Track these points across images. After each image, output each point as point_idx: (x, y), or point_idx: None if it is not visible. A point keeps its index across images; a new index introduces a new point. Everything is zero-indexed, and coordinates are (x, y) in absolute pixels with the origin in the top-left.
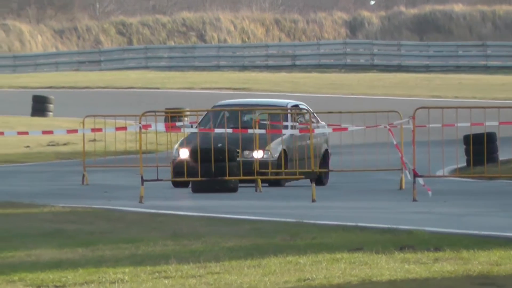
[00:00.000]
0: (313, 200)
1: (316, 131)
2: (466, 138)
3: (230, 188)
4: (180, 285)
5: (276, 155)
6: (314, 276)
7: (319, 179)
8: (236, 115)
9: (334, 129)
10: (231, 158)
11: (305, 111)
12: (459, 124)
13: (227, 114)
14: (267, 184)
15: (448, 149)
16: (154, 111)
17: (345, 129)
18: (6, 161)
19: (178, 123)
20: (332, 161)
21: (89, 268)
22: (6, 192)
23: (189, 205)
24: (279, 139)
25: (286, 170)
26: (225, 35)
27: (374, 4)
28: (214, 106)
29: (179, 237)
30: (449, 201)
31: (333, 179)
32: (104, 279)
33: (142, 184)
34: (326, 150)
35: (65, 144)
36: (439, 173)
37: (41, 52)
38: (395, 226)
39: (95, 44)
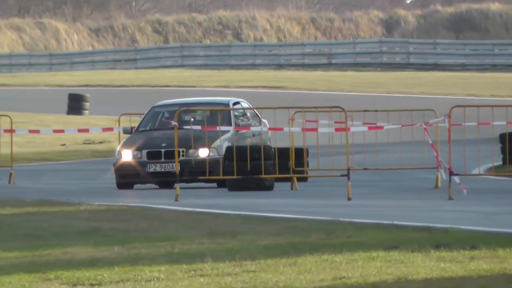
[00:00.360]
0: (349, 198)
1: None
2: (502, 137)
3: (266, 186)
4: (216, 283)
5: (223, 153)
6: (350, 274)
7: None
8: (168, 115)
9: (370, 128)
10: (267, 156)
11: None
12: (495, 123)
13: (166, 114)
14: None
15: (484, 147)
16: (191, 110)
17: (381, 127)
18: (42, 159)
19: None
20: (368, 160)
21: (125, 266)
22: (43, 190)
23: (225, 203)
24: (223, 136)
25: (313, 169)
26: (261, 33)
27: (410, 2)
28: (155, 107)
29: (215, 235)
30: (485, 200)
31: (369, 177)
32: (140, 277)
33: (178, 182)
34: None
35: (100, 142)
36: (475, 171)
37: (77, 50)
38: (430, 225)
39: (131, 42)
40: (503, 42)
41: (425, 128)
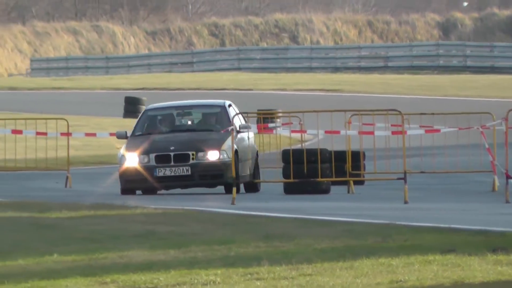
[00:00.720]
0: (406, 202)
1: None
2: None
3: (322, 190)
4: (272, 287)
5: (231, 156)
6: (406, 278)
7: (254, 185)
8: (170, 118)
9: (426, 131)
10: (324, 159)
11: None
12: None
13: (159, 117)
14: (244, 192)
15: None
16: (246, 113)
17: (438, 130)
18: (98, 162)
19: (270, 124)
20: (425, 163)
21: (181, 270)
22: (99, 193)
23: (281, 206)
24: (229, 139)
25: (367, 172)
26: (317, 36)
27: (467, 5)
28: (148, 110)
29: (271, 239)
30: None
31: (425, 180)
32: (196, 281)
33: (234, 186)
34: (257, 152)
35: None
36: None
37: (133, 53)
38: (487, 228)
39: (187, 45)
40: None
41: (481, 132)
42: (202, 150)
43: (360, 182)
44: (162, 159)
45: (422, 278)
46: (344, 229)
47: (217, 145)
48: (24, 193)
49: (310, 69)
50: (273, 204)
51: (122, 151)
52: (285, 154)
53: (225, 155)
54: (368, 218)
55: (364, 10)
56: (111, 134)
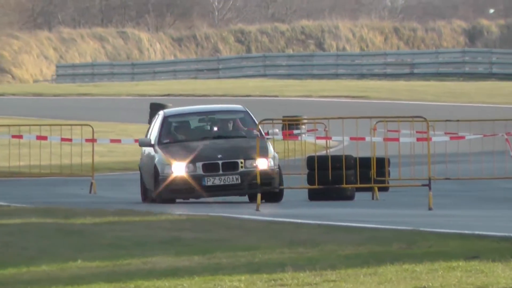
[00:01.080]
0: (430, 208)
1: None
2: None
3: (347, 196)
4: None
5: (278, 164)
6: (430, 284)
7: (279, 193)
8: (196, 125)
9: (451, 138)
10: (349, 166)
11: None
12: None
13: (183, 123)
14: (264, 200)
15: None
16: (272, 119)
17: (463, 137)
18: (123, 168)
19: (295, 131)
20: (450, 169)
21: (205, 276)
22: (124, 199)
23: (305, 213)
24: (270, 146)
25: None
26: (343, 43)
27: (493, 12)
28: (168, 116)
29: (296, 245)
30: None
31: (450, 187)
32: (219, 287)
33: (259, 192)
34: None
35: None
36: None
37: (159, 60)
38: None
39: (213, 52)
40: None
41: (506, 139)
42: (251, 158)
43: (385, 189)
44: (210, 168)
45: (445, 285)
46: (369, 235)
47: (265, 153)
48: (50, 199)
49: (336, 76)
50: (298, 211)
51: (164, 159)
52: (310, 160)
53: (272, 163)
54: (393, 224)
55: (391, 17)
56: (136, 141)
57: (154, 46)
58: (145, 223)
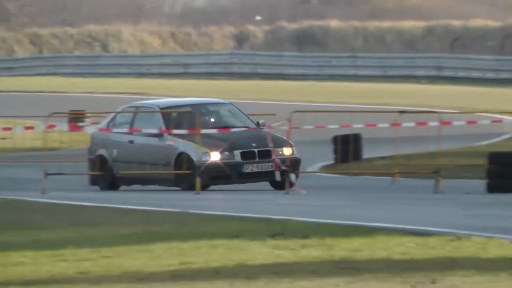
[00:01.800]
0: (198, 193)
1: None
2: (335, 139)
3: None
4: (75, 268)
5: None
6: (195, 260)
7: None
8: (185, 117)
9: (219, 130)
10: None
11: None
12: (329, 126)
13: (177, 114)
14: (273, 188)
15: (318, 148)
16: (61, 113)
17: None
18: None
19: (80, 124)
20: None
21: None
22: None
23: (89, 196)
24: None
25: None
26: (126, 46)
27: (259, 20)
28: (163, 108)
29: (78, 225)
30: (322, 195)
31: None
32: (7, 262)
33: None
34: None
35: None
36: (310, 169)
37: None
38: (269, 216)
39: (10, 52)
40: (340, 55)
41: (267, 132)
42: (281, 146)
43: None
44: (247, 156)
45: (209, 260)
46: (144, 217)
47: (288, 142)
48: None
49: (118, 75)
50: (84, 195)
51: (199, 148)
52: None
53: (295, 151)
54: (165, 207)
55: (169, 23)
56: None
57: None
58: None
